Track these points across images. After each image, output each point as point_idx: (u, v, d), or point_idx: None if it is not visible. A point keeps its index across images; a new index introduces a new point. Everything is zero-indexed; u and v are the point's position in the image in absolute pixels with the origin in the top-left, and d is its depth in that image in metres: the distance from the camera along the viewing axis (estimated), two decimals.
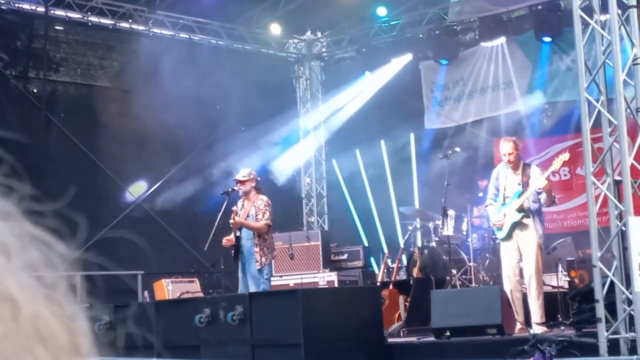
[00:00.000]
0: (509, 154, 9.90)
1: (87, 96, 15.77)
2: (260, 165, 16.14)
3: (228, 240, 10.95)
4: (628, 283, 6.93)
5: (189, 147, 16.49)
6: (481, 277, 12.69)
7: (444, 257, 12.65)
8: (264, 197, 11.08)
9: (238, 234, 10.93)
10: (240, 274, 11.05)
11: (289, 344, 8.15)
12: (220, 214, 11.43)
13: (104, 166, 15.67)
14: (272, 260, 11.37)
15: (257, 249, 10.87)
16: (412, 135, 17.39)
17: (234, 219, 10.91)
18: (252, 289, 10.61)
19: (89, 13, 15.79)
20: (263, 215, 10.88)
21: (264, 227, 10.90)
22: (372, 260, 15.75)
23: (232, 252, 11.01)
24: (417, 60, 17.53)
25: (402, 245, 14.36)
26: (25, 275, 0.88)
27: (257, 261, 10.83)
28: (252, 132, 17.02)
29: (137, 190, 16.31)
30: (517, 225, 9.73)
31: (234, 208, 11.09)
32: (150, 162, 15.85)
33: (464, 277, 12.64)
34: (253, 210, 11.00)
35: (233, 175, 11.28)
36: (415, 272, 13.05)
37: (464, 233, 13.07)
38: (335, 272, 14.39)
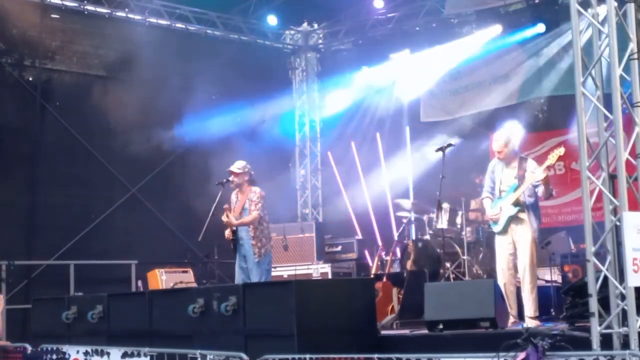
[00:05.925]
0: (498, 152, 9.96)
1: (82, 85, 15.73)
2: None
3: (228, 234, 10.99)
4: (622, 278, 6.93)
5: (182, 138, 16.41)
6: (474, 271, 12.70)
7: (438, 250, 12.67)
8: (257, 189, 11.11)
9: (234, 228, 10.97)
10: (238, 265, 11.04)
11: (282, 335, 8.14)
12: (215, 204, 11.42)
13: (99, 155, 15.63)
14: (271, 250, 11.34)
15: (253, 242, 10.92)
16: (407, 128, 17.36)
17: (227, 216, 10.92)
18: (256, 280, 10.67)
19: (85, 1, 15.74)
20: (255, 207, 10.95)
21: (256, 217, 10.95)
22: (366, 252, 15.75)
23: (232, 245, 11.04)
24: (414, 52, 17.49)
25: (396, 238, 14.37)
26: None
27: (255, 253, 10.87)
28: (247, 123, 17.00)
29: None
30: (513, 219, 9.72)
31: (226, 206, 11.07)
32: (144, 152, 15.79)
33: (457, 270, 12.65)
34: (247, 203, 11.02)
35: (228, 166, 11.25)
36: (409, 264, 13.05)
37: (458, 226, 13.08)
38: (329, 264, 14.42)
